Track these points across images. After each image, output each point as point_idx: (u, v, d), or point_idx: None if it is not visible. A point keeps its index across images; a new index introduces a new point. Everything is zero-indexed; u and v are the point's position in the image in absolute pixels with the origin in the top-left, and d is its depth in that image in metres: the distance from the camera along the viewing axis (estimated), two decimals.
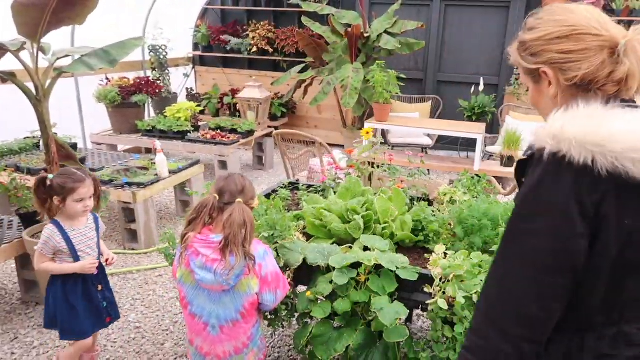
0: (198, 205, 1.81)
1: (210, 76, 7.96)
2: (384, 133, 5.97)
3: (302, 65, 6.40)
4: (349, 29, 5.61)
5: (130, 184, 3.84)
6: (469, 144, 6.43)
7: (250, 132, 5.75)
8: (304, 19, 6.39)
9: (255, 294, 1.81)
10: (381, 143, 3.01)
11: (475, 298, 1.80)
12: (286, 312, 2.15)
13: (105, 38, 3.45)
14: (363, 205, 2.32)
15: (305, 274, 2.10)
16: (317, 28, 6.17)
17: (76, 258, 2.21)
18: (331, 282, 1.96)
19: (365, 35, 5.77)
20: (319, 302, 2.00)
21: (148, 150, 5.90)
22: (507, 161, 4.68)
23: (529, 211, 0.96)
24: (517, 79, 6.22)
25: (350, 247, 2.17)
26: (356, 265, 1.97)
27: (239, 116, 6.46)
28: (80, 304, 2.23)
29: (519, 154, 4.78)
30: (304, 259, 2.04)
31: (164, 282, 3.47)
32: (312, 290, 2.00)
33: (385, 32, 5.76)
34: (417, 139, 6.11)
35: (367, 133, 2.83)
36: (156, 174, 4.09)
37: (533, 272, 0.94)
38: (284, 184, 2.98)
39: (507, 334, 0.95)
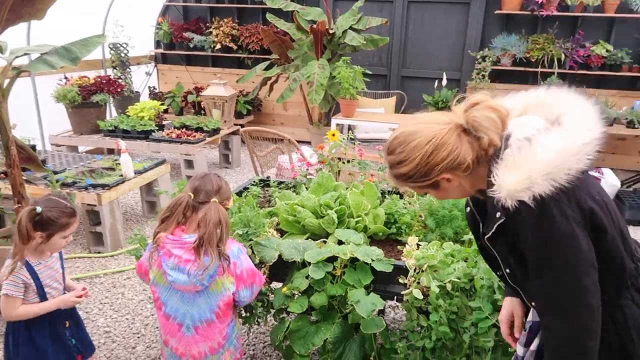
0: (172, 203, 1.78)
1: (173, 74, 7.82)
2: (350, 128, 6.02)
3: (268, 62, 6.37)
4: (314, 26, 5.62)
5: (94, 186, 3.73)
6: None
7: (216, 130, 5.68)
8: (268, 16, 6.36)
9: (232, 293, 1.80)
10: (351, 139, 3.04)
11: (449, 287, 1.85)
12: (262, 308, 2.14)
13: (62, 32, 3.35)
14: (336, 200, 2.34)
15: (280, 270, 2.11)
16: (281, 25, 6.15)
17: (43, 295, 1.90)
18: (307, 277, 1.97)
19: (330, 31, 5.79)
20: (296, 297, 2.01)
21: (110, 151, 5.74)
22: None
23: (545, 249, 1.11)
24: (478, 74, 6.39)
25: (325, 242, 2.19)
26: (332, 259, 1.99)
27: (204, 114, 6.37)
28: (49, 346, 1.94)
29: None
30: (280, 255, 2.05)
31: (132, 284, 3.39)
32: (288, 286, 2.01)
33: (350, 28, 5.80)
34: (383, 134, 6.18)
35: (333, 135, 2.84)
36: (121, 175, 3.99)
37: (573, 289, 1.10)
38: (254, 181, 2.97)
39: (593, 336, 1.11)
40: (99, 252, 3.83)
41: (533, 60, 6.21)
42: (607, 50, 6.08)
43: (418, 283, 1.92)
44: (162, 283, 1.80)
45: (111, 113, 6.41)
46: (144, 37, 7.40)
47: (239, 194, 2.71)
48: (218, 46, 7.13)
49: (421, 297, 1.87)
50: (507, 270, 1.28)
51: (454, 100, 1.20)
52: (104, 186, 3.74)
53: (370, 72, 5.57)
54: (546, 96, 1.22)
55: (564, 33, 6.27)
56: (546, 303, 1.17)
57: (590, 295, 1.10)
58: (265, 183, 3.04)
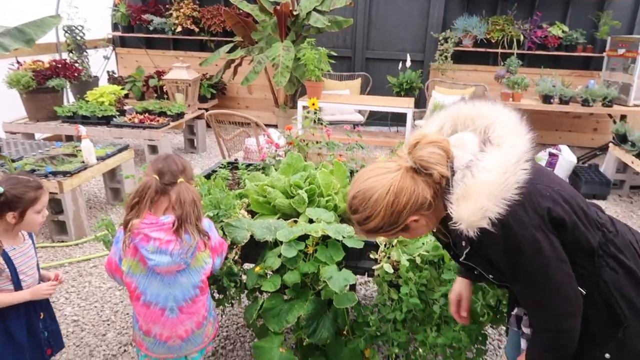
0: (140, 187, 1.74)
1: (132, 58, 7.59)
2: (316, 111, 6.02)
3: (231, 45, 6.27)
4: (278, 7, 5.55)
5: (54, 173, 3.61)
6: (398, 119, 6.64)
7: (180, 115, 5.58)
8: None
9: (210, 265, 1.84)
10: (318, 119, 3.05)
11: (418, 260, 1.90)
12: (235, 289, 2.15)
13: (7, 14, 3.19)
14: (306, 180, 2.35)
15: (252, 250, 2.11)
16: (244, 6, 6.05)
17: (17, 283, 1.82)
18: (280, 255, 1.98)
19: (294, 13, 5.73)
20: (269, 276, 2.02)
21: (69, 138, 5.55)
22: None
23: (514, 260, 1.18)
24: (441, 55, 6.47)
25: (296, 221, 2.21)
26: (303, 237, 2.00)
27: (167, 99, 6.23)
28: (25, 339, 1.85)
29: None
30: (251, 236, 2.05)
31: (100, 272, 3.33)
32: (261, 266, 2.02)
33: (314, 9, 5.76)
34: (348, 116, 6.21)
35: (313, 104, 2.85)
36: (82, 162, 3.88)
37: (547, 286, 1.18)
38: (222, 164, 2.95)
39: (574, 318, 1.20)
40: (62, 241, 3.73)
41: (493, 41, 6.35)
42: (563, 31, 6.27)
43: (388, 258, 1.96)
44: (139, 271, 1.77)
45: (68, 99, 6.18)
46: (101, 19, 7.13)
47: (207, 177, 2.68)
48: (179, 29, 6.97)
49: (392, 271, 1.92)
50: (491, 276, 1.34)
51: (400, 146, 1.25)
52: (65, 173, 3.63)
53: (335, 54, 5.56)
54: (468, 110, 1.28)
55: (522, 14, 6.42)
56: (527, 301, 1.28)
57: (564, 287, 1.19)
58: (233, 166, 3.02)
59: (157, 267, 1.72)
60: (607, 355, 1.24)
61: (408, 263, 1.89)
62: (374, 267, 1.98)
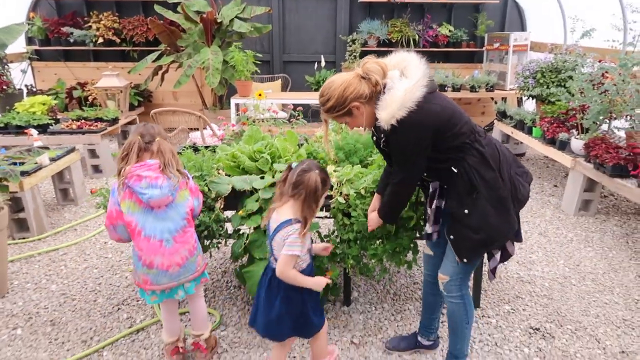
0: (126, 144, 2.20)
1: (50, 71, 7.61)
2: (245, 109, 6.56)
3: (157, 53, 6.62)
4: (204, 15, 6.03)
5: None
6: (317, 115, 7.36)
7: (115, 120, 5.84)
8: (157, 7, 6.62)
9: (190, 201, 2.28)
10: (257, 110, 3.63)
11: (363, 191, 2.56)
12: (221, 234, 2.66)
13: None
14: (266, 147, 2.93)
15: (231, 201, 2.65)
16: (170, 15, 6.45)
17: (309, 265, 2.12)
18: (257, 200, 2.54)
19: (218, 21, 6.25)
20: (250, 217, 2.57)
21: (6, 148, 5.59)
22: None
23: (400, 148, 1.94)
24: (350, 55, 7.30)
25: (262, 178, 2.77)
26: (273, 185, 2.58)
27: (98, 108, 6.42)
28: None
29: None
30: (233, 188, 2.59)
31: (72, 257, 3.62)
32: (243, 209, 2.57)
33: (236, 17, 6.31)
34: (274, 114, 6.81)
35: (260, 95, 3.41)
36: (35, 163, 4.12)
37: (410, 162, 1.97)
38: (184, 147, 3.42)
39: (413, 185, 2.06)
40: (24, 238, 3.94)
41: (394, 41, 7.30)
42: (449, 31, 7.37)
43: (340, 193, 2.60)
44: (137, 210, 2.17)
45: None
46: None
47: None
48: (100, 40, 7.15)
49: (344, 201, 2.55)
50: (389, 160, 2.10)
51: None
52: (23, 173, 3.86)
53: (260, 55, 6.15)
54: (400, 57, 1.97)
55: (415, 17, 7.45)
56: (396, 168, 2.06)
57: (418, 167, 1.99)
58: (193, 148, 3.50)
59: (151, 200, 2.13)
60: (465, 211, 1.95)
61: (355, 194, 2.54)
62: (330, 201, 2.60)
